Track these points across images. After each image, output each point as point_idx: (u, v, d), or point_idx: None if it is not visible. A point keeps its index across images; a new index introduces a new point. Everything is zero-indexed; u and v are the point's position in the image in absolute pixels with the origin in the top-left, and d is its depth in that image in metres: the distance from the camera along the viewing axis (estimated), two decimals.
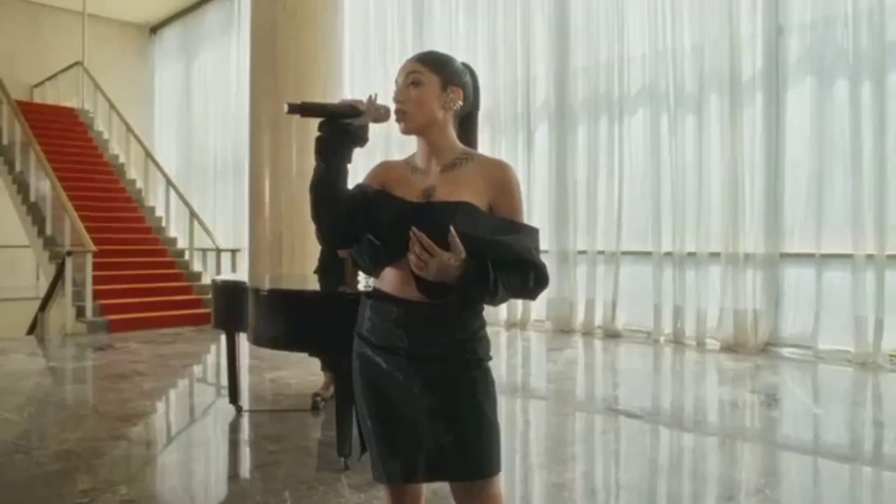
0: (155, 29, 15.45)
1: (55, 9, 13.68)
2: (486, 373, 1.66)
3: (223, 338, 7.71)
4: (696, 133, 7.11)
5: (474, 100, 1.75)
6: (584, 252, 8.03)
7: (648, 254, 7.48)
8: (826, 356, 6.17)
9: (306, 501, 3.03)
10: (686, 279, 7.18)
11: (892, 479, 3.40)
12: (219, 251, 9.47)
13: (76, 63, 13.15)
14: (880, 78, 6.01)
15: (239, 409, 4.53)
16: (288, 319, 3.52)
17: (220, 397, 5.26)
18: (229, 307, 4.06)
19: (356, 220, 1.67)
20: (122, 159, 12.35)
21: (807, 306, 6.43)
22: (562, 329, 8.13)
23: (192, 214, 9.96)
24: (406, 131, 1.68)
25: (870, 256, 6.01)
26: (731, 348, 6.70)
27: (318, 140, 1.72)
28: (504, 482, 2.49)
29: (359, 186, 1.73)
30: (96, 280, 8.31)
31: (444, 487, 1.86)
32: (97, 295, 8.37)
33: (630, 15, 7.68)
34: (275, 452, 3.82)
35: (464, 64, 1.74)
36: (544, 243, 6.81)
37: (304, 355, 6.65)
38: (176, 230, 10.89)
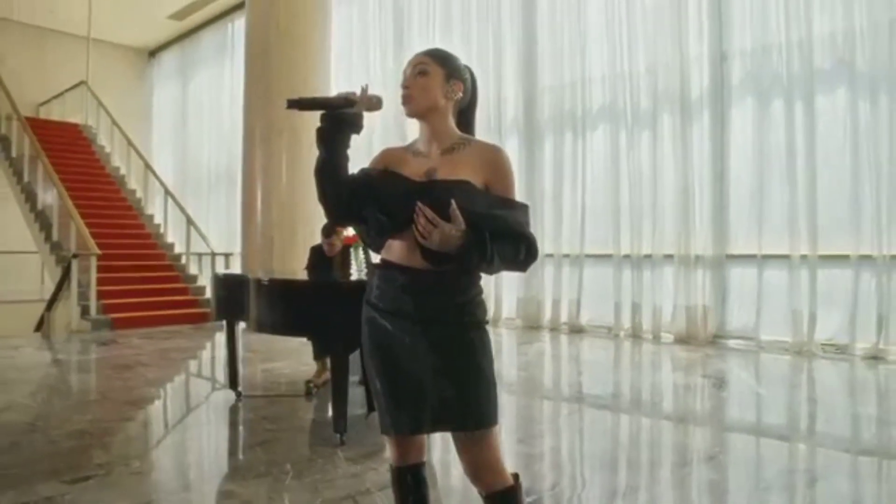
0: (154, 53, 15.39)
1: (61, 34, 13.59)
2: (484, 334, 1.72)
3: (217, 335, 7.85)
4: (651, 147, 7.28)
5: (472, 95, 1.82)
6: (550, 255, 8.16)
7: (609, 256, 7.63)
8: (767, 346, 6.35)
9: (306, 471, 3.08)
10: (643, 279, 7.33)
11: (822, 447, 3.54)
12: (213, 255, 9.44)
13: (81, 82, 13.06)
14: (810, 99, 6.25)
15: (238, 394, 4.56)
16: (287, 307, 3.58)
17: (218, 385, 5.29)
18: (231, 298, 4.10)
19: (359, 199, 1.74)
20: (122, 171, 12.28)
21: (750, 302, 6.62)
22: (531, 326, 8.24)
23: (189, 221, 9.94)
24: (410, 113, 1.75)
25: (804, 256, 6.22)
26: (683, 340, 6.85)
27: (318, 130, 1.79)
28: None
29: (363, 170, 1.81)
30: (100, 282, 8.27)
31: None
32: (100, 295, 8.32)
33: (591, 40, 7.86)
34: (273, 431, 3.87)
35: (465, 65, 1.82)
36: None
37: (294, 348, 6.75)
38: (173, 236, 10.83)
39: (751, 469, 3.15)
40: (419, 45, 9.42)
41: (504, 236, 1.64)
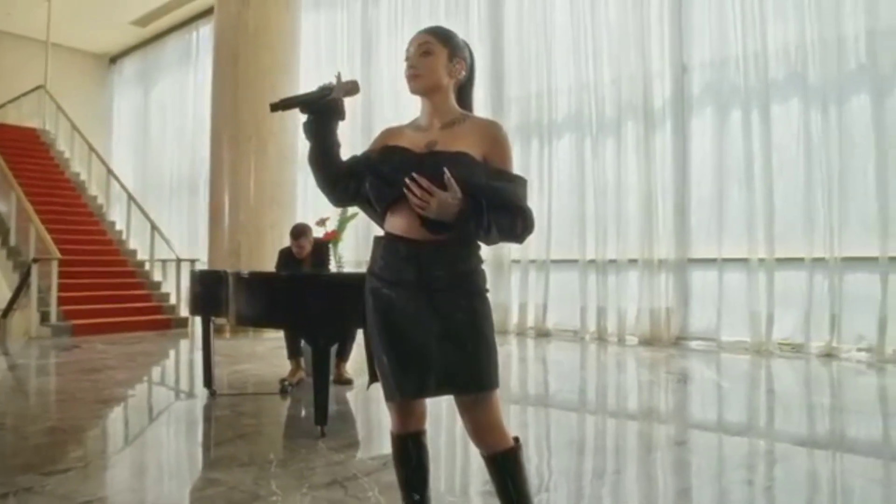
0: (115, 59, 15.15)
1: (19, 37, 13.29)
2: (485, 301, 1.77)
3: (183, 342, 7.74)
4: (616, 155, 7.49)
5: (471, 72, 1.88)
6: (517, 261, 8.28)
7: (575, 261, 7.78)
8: (727, 346, 6.57)
9: (290, 461, 3.09)
10: (608, 283, 7.50)
11: (781, 432, 3.70)
12: (178, 260, 9.30)
13: (39, 87, 12.78)
14: (766, 109, 6.53)
15: (213, 393, 4.53)
16: (269, 299, 3.58)
17: (192, 385, 5.23)
18: (208, 294, 4.10)
19: (358, 178, 1.82)
20: (83, 177, 12.03)
21: (711, 304, 6.84)
22: (498, 331, 8.28)
23: (153, 227, 9.79)
24: (415, 91, 1.81)
25: (761, 260, 6.46)
26: (647, 342, 7.03)
27: (304, 123, 1.86)
28: (459, 442, 2.60)
29: (364, 152, 1.87)
30: (60, 287, 8.08)
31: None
32: (61, 301, 8.13)
33: (557, 52, 8.05)
34: (253, 425, 3.87)
35: (464, 41, 1.88)
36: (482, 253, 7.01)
37: (262, 352, 6.73)
38: (135, 242, 10.64)
39: (713, 456, 3.28)
40: (386, 54, 9.58)
41: (502, 208, 1.69)
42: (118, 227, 10.98)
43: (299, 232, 4.84)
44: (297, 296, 3.46)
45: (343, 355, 4.92)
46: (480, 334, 1.73)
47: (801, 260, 6.23)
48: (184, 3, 12.36)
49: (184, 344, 7.88)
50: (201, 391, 4.63)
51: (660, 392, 4.83)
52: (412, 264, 1.73)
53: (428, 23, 9.43)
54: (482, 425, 1.72)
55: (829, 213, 6.10)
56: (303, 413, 4.18)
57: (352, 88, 1.89)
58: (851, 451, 3.33)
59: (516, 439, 1.76)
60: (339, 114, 1.86)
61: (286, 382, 4.73)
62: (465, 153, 1.70)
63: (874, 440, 3.53)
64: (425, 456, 1.86)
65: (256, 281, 3.66)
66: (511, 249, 8.26)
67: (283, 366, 5.46)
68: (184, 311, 9.10)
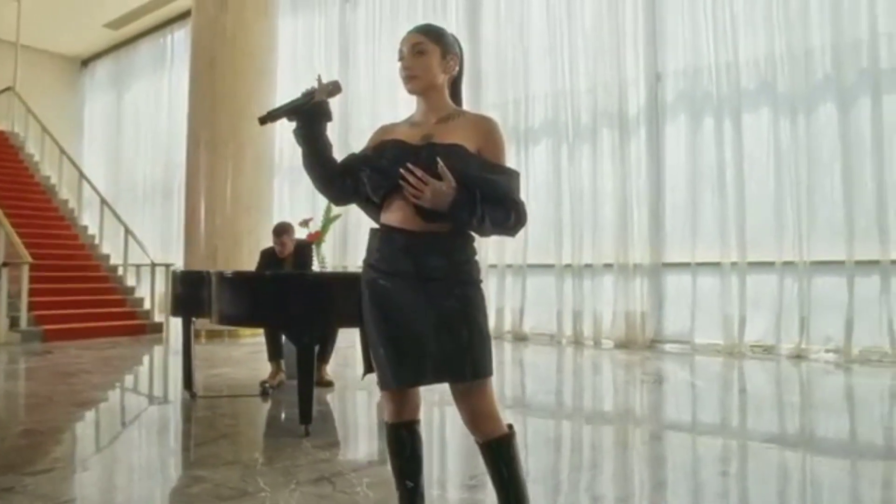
0: (86, 62, 14.95)
1: None
2: (479, 291, 1.81)
3: (157, 348, 7.65)
4: (591, 161, 7.61)
5: (461, 67, 1.93)
6: (494, 266, 8.34)
7: (551, 266, 7.88)
8: (701, 349, 6.70)
9: (276, 458, 3.10)
10: (584, 287, 7.60)
11: (752, 429, 3.80)
12: (153, 265, 9.19)
13: (7, 88, 12.56)
14: (737, 117, 6.70)
15: (193, 395, 4.50)
16: (252, 299, 3.59)
17: (171, 388, 5.19)
18: (190, 294, 4.08)
19: (355, 175, 1.86)
20: (53, 180, 11.83)
21: (685, 307, 6.97)
22: None
23: (127, 231, 9.65)
24: (412, 91, 1.85)
25: (734, 264, 6.62)
26: (623, 345, 7.14)
27: (294, 130, 1.90)
28: (448, 435, 2.62)
29: (361, 150, 1.92)
30: (31, 292, 7.93)
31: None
32: (31, 306, 7.97)
33: (533, 59, 8.17)
34: (235, 426, 3.86)
35: (452, 35, 1.93)
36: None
37: (239, 357, 6.71)
38: (108, 247, 10.49)
39: (687, 451, 3.37)
40: (364, 59, 9.62)
41: (495, 200, 1.74)
42: (90, 231, 10.81)
43: (282, 229, 4.86)
44: (281, 295, 3.47)
45: (324, 357, 4.92)
46: (475, 323, 1.77)
47: (772, 264, 6.40)
48: (158, 7, 12.28)
49: (160, 349, 7.80)
50: (180, 394, 4.60)
51: (636, 392, 4.92)
52: (408, 254, 1.77)
53: (405, 28, 9.56)
54: (477, 413, 1.77)
55: (798, 218, 6.27)
56: (285, 414, 4.18)
57: (334, 89, 1.93)
58: (819, 446, 3.44)
59: (510, 427, 1.81)
60: (325, 115, 1.90)
61: (267, 385, 4.73)
62: (460, 145, 1.75)
63: (841, 436, 3.65)
64: (419, 445, 1.90)
65: (240, 280, 3.67)
66: (488, 254, 8.32)
67: (261, 370, 5.46)
68: (158, 317, 9.00)
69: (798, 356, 6.11)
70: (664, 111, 7.29)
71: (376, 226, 1.88)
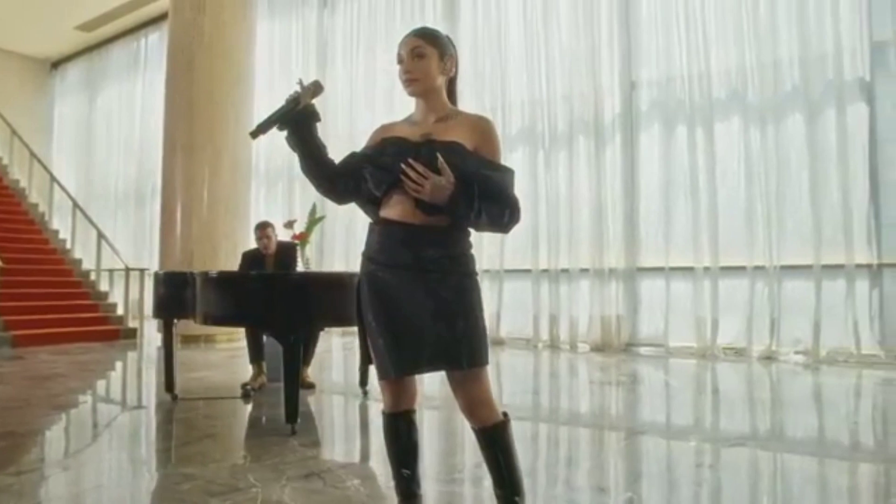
0: (56, 64, 14.74)
1: None
2: (475, 282, 1.89)
3: (130, 354, 7.57)
4: (567, 168, 7.74)
5: (456, 69, 2.00)
6: None
7: (528, 271, 7.98)
8: (675, 351, 6.85)
9: (264, 456, 3.12)
10: (560, 292, 7.72)
11: (725, 426, 3.93)
12: (127, 270, 9.09)
13: None
14: (709, 126, 6.89)
15: (174, 397, 4.49)
16: (238, 298, 3.62)
17: (152, 391, 5.16)
18: (173, 295, 4.09)
19: (356, 175, 1.91)
20: (23, 184, 11.65)
21: (659, 311, 7.13)
22: None
23: (101, 236, 9.54)
24: (413, 94, 1.92)
25: (706, 268, 6.79)
26: (599, 349, 7.26)
27: (286, 138, 1.94)
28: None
29: (360, 150, 1.98)
30: (0, 297, 7.80)
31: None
32: (1, 311, 7.84)
33: (510, 68, 8.29)
34: (220, 426, 3.88)
35: (448, 37, 2.00)
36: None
37: (216, 361, 6.69)
38: (80, 252, 10.36)
39: (662, 447, 3.48)
40: (342, 64, 9.67)
41: (492, 196, 1.81)
42: (62, 235, 10.66)
43: (264, 223, 4.91)
44: (266, 295, 3.51)
45: (305, 359, 4.94)
46: (471, 313, 1.84)
47: (743, 268, 6.58)
48: (132, 10, 12.18)
49: (136, 354, 7.72)
50: (162, 396, 4.58)
51: (613, 391, 5.03)
52: (407, 246, 1.83)
53: (383, 34, 9.61)
54: (473, 399, 1.83)
55: (768, 224, 6.47)
56: (269, 415, 4.19)
57: (316, 89, 1.96)
58: (788, 442, 3.57)
59: (505, 414, 1.88)
60: (314, 117, 1.95)
61: (248, 387, 4.74)
62: (458, 143, 1.82)
63: (809, 433, 3.79)
64: (415, 433, 1.96)
65: (226, 280, 3.69)
66: None
67: (239, 373, 5.48)
68: (132, 322, 8.90)
69: (769, 357, 6.29)
70: (638, 119, 7.46)
71: (374, 222, 1.94)
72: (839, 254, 6.13)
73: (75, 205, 10.33)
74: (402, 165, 1.76)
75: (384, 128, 2.00)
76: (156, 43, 12.42)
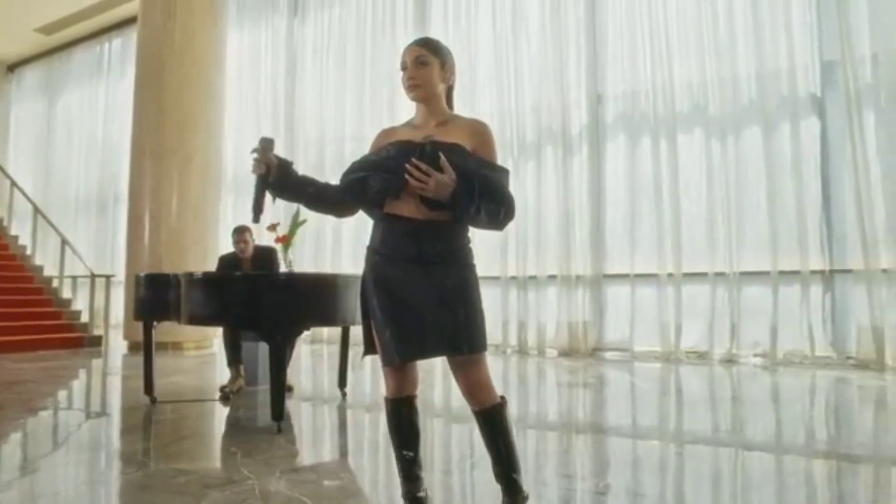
0: (13, 67, 14.48)
1: None
2: (474, 273, 2.05)
3: (95, 361, 7.51)
4: (536, 177, 7.97)
5: (455, 76, 2.16)
6: None
7: (497, 278, 8.15)
8: (640, 356, 7.10)
9: (255, 452, 3.20)
10: (528, 298, 7.92)
11: (688, 424, 4.15)
12: (93, 276, 8.99)
13: None
14: (672, 137, 7.20)
15: (153, 400, 4.52)
16: (224, 299, 3.70)
17: (128, 395, 5.15)
18: (154, 297, 4.14)
19: (358, 189, 2.03)
20: None
21: (624, 316, 7.38)
22: None
23: (64, 242, 9.42)
24: (416, 99, 2.08)
25: (670, 275, 7.07)
26: (566, 354, 7.47)
27: (277, 198, 2.08)
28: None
29: (362, 158, 2.11)
30: None
31: None
32: None
33: (480, 79, 8.50)
34: (204, 426, 3.95)
35: (447, 48, 2.15)
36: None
37: (189, 367, 6.69)
38: (41, 258, 10.19)
39: (628, 443, 3.68)
40: (312, 74, 9.76)
41: (489, 194, 1.96)
42: (21, 241, 10.47)
43: (242, 228, 4.99)
44: (253, 295, 3.60)
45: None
46: (471, 302, 2.00)
47: (705, 275, 6.88)
48: (94, 14, 12.06)
49: (104, 360, 7.65)
50: (141, 399, 4.60)
51: (581, 392, 5.22)
52: (412, 240, 1.98)
53: (354, 45, 9.72)
54: (473, 383, 1.99)
55: (729, 232, 6.79)
56: (252, 416, 4.27)
57: (267, 145, 2.04)
58: (747, 439, 3.79)
59: (502, 398, 2.03)
60: (284, 168, 2.05)
61: (227, 389, 4.80)
62: (459, 144, 1.99)
63: (767, 429, 4.02)
64: (417, 417, 2.10)
65: (212, 281, 3.78)
66: None
67: (211, 379, 5.52)
68: (98, 330, 8.81)
69: (729, 360, 6.58)
70: (604, 131, 7.74)
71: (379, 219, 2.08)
72: (794, 261, 6.47)
73: (37, 210, 10.17)
74: (407, 165, 1.91)
75: (386, 132, 2.15)
76: (119, 48, 12.34)
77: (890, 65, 6.18)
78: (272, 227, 4.29)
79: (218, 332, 8.91)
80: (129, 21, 11.97)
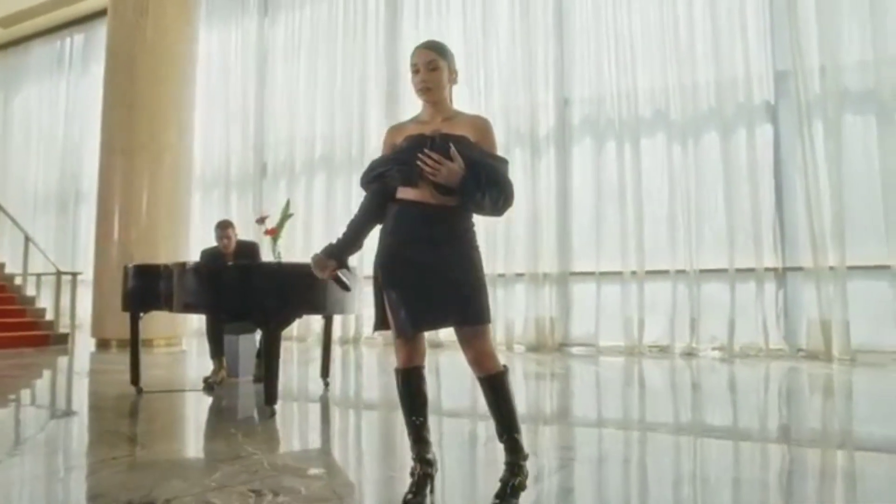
0: None
1: None
2: (478, 253, 2.30)
3: (61, 359, 7.50)
4: None
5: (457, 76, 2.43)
6: None
7: None
8: (605, 350, 7.45)
9: (254, 433, 3.40)
10: (497, 296, 8.18)
11: (650, 414, 4.46)
12: (59, 274, 8.94)
13: None
14: (636, 141, 7.58)
15: (139, 391, 4.64)
16: (218, 287, 3.86)
17: (114, 386, 5.18)
18: (144, 288, 4.28)
19: (382, 192, 2.31)
20: None
21: (590, 313, 7.72)
22: (390, 343, 8.75)
23: (28, 239, 9.33)
24: (427, 100, 2.34)
25: (633, 272, 7.44)
26: (534, 349, 7.77)
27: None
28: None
29: (381, 158, 2.36)
30: None
31: None
32: None
33: None
34: (195, 413, 4.09)
35: (450, 50, 2.41)
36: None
37: (163, 362, 6.76)
38: (2, 255, 10.06)
39: (594, 429, 3.97)
40: (282, 75, 9.89)
41: (493, 181, 2.22)
42: None
43: (226, 223, 5.13)
44: (247, 283, 3.78)
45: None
46: (476, 279, 2.26)
47: (667, 272, 7.27)
48: (55, 8, 11.96)
49: (61, 362, 7.63)
50: (126, 389, 4.70)
51: (548, 382, 5.50)
52: (424, 223, 2.24)
53: (325, 46, 9.88)
54: (479, 352, 2.24)
55: (689, 231, 7.19)
56: (241, 404, 4.43)
57: (319, 263, 2.37)
58: (706, 426, 4.10)
59: (504, 366, 2.29)
60: (340, 256, 2.36)
61: (210, 380, 4.95)
62: (465, 136, 2.26)
63: (724, 418, 4.33)
64: (424, 385, 2.34)
65: (207, 271, 3.94)
66: None
67: (187, 373, 5.61)
68: (63, 327, 8.76)
69: (689, 354, 6.97)
70: (571, 134, 8.09)
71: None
72: (750, 259, 6.90)
73: (0, 208, 10.04)
74: (420, 155, 2.15)
75: (396, 129, 2.40)
76: (82, 44, 12.24)
77: (836, 77, 6.65)
78: (261, 220, 4.47)
79: (188, 329, 9.01)
80: (91, 17, 11.94)
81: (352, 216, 2.39)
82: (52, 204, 12.21)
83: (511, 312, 8.11)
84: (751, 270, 6.90)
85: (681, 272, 7.20)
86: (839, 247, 6.51)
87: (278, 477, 2.54)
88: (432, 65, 2.32)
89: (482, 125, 2.34)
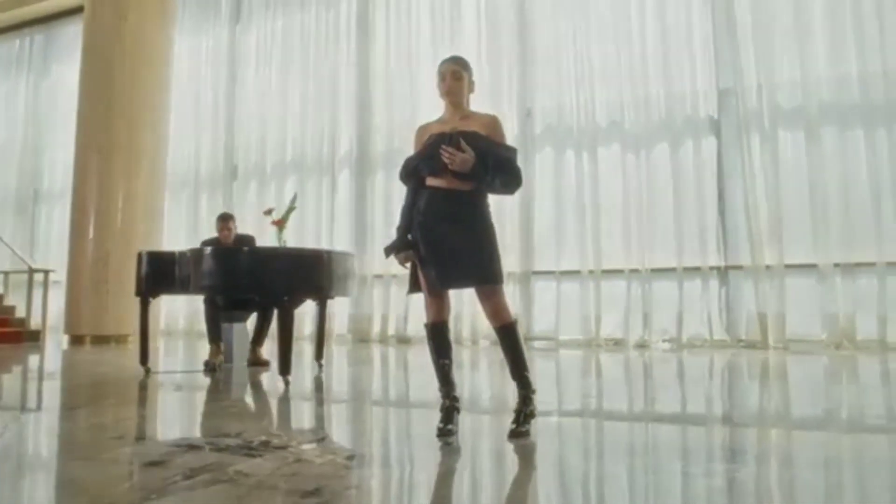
0: None
1: None
2: (493, 227, 2.93)
3: (32, 357, 7.69)
4: None
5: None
6: (380, 276, 9.31)
7: None
8: (565, 344, 8.13)
9: (268, 408, 3.84)
10: (462, 293, 8.59)
11: (607, 402, 5.09)
12: (31, 271, 9.09)
13: None
14: (593, 150, 8.34)
15: (148, 371, 5.04)
16: (235, 269, 4.34)
17: (122, 369, 5.46)
18: (158, 273, 4.72)
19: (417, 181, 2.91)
20: None
21: (551, 309, 8.40)
22: (361, 339, 9.28)
23: None
24: (451, 102, 2.97)
25: (591, 271, 8.17)
26: (497, 344, 8.33)
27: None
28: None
29: (413, 155, 2.95)
30: None
31: None
32: None
33: (421, 89, 9.32)
34: (205, 391, 4.51)
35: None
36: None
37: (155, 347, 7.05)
38: None
39: (553, 418, 4.57)
40: (253, 81, 10.31)
41: (501, 166, 2.85)
42: None
43: (227, 216, 5.59)
44: (262, 265, 4.28)
45: (259, 340, 5.67)
46: (493, 246, 2.91)
47: (622, 271, 8.03)
48: (13, 7, 12.04)
49: (47, 355, 7.84)
50: (136, 368, 5.05)
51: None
52: (448, 203, 2.87)
53: (297, 54, 10.45)
54: (496, 306, 2.87)
55: (641, 233, 7.97)
56: (251, 381, 4.85)
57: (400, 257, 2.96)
58: (658, 413, 4.72)
59: (515, 318, 2.88)
60: (406, 247, 2.91)
61: (212, 363, 5.37)
62: (477, 132, 2.89)
63: (673, 404, 4.97)
64: (449, 334, 2.98)
65: (225, 254, 4.42)
66: (374, 264, 9.23)
67: (173, 363, 5.93)
68: (34, 325, 8.93)
69: (642, 346, 7.72)
70: (534, 142, 8.80)
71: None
72: (696, 258, 7.72)
73: None
74: (441, 149, 2.74)
75: (423, 127, 3.00)
76: (42, 44, 12.36)
77: (771, 94, 7.54)
78: (268, 212, 4.94)
79: (161, 325, 9.27)
80: (52, 17, 12.09)
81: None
82: (10, 205, 12.25)
83: (476, 309, 8.63)
84: (697, 269, 7.70)
85: (634, 271, 7.96)
86: (775, 247, 7.38)
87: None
88: (456, 75, 2.93)
89: (491, 122, 2.97)
